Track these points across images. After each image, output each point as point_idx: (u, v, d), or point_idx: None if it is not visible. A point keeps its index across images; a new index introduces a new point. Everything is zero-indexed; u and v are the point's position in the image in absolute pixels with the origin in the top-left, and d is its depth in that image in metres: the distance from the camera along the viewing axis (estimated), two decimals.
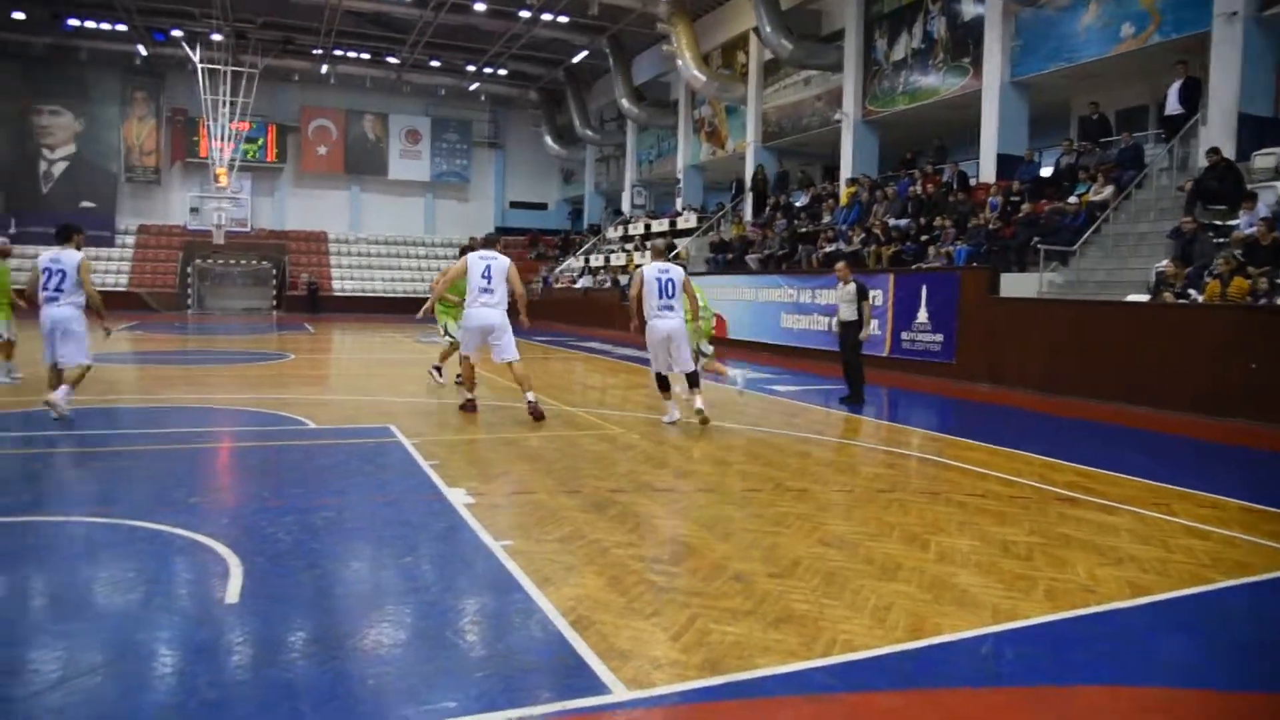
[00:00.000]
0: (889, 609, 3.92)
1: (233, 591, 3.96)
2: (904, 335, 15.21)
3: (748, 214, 26.01)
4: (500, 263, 8.98)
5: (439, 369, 11.80)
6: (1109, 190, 14.44)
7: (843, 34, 22.32)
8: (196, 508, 5.52)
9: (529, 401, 9.00)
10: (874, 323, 11.74)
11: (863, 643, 3.55)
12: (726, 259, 23.27)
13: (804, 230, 21.30)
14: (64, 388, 8.27)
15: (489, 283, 8.88)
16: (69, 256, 8.53)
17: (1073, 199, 14.90)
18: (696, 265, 25.08)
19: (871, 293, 13.07)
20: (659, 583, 4.19)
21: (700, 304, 9.66)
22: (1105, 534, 5.27)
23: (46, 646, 3.37)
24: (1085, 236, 14.00)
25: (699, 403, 8.82)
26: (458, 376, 10.64)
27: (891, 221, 18.38)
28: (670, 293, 8.79)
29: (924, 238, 16.94)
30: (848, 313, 11.12)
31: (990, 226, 15.63)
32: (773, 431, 9.01)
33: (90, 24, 32.23)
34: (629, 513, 5.47)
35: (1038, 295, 13.79)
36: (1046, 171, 17.43)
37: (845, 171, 22.31)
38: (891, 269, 16.30)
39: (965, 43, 18.76)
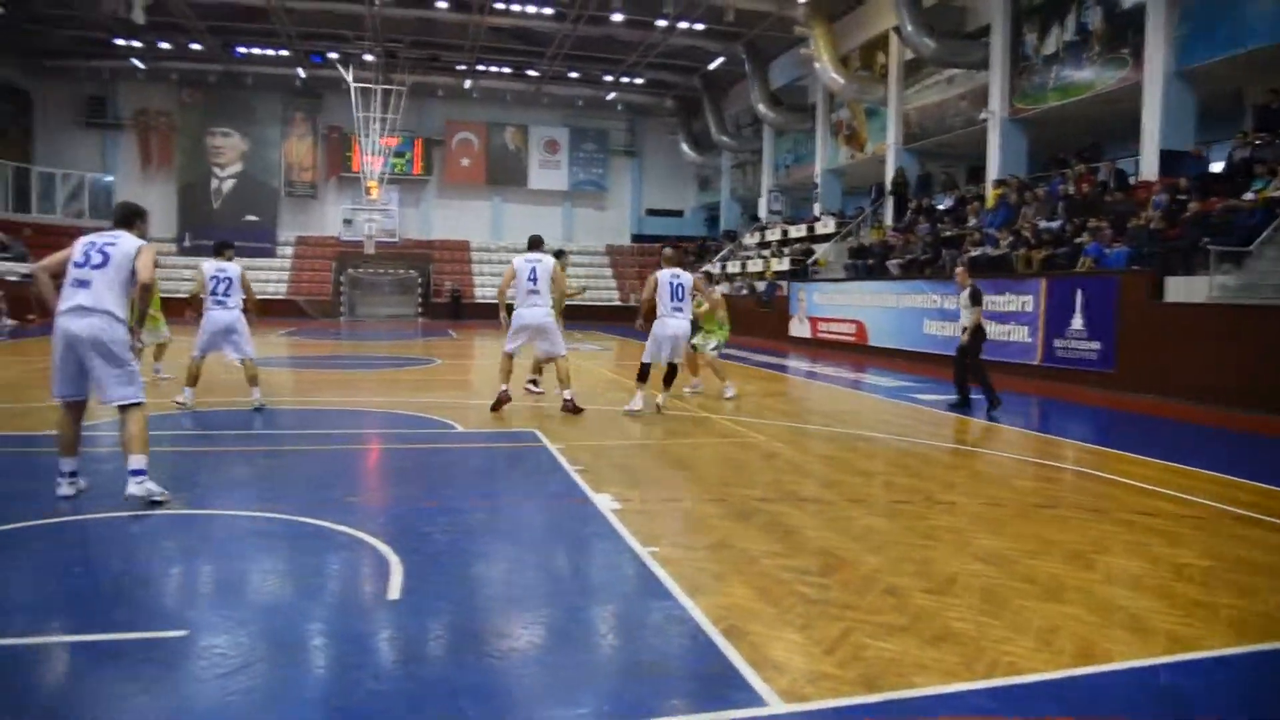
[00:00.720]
0: (1054, 631, 3.74)
1: (394, 588, 4.13)
2: (1057, 343, 14.52)
3: (888, 218, 25.40)
4: (545, 264, 9.63)
5: (535, 381, 11.74)
6: None
7: (988, 30, 21.51)
8: (356, 506, 5.78)
9: (565, 398, 9.64)
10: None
11: (1028, 666, 3.40)
12: (866, 265, 22.79)
13: (948, 234, 20.64)
14: (255, 390, 9.54)
15: (535, 284, 9.58)
16: (232, 267, 9.76)
17: (1248, 195, 13.87)
18: (835, 271, 24.68)
19: (986, 299, 12.59)
20: (810, 594, 4.13)
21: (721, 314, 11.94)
22: None
23: (226, 633, 3.59)
24: (1263, 236, 13.01)
25: (661, 399, 10.05)
26: (529, 381, 11.50)
27: (1042, 224, 17.59)
28: (680, 295, 9.82)
29: (1078, 240, 16.13)
30: (966, 318, 10.81)
31: (1152, 227, 14.74)
32: (919, 442, 8.76)
33: (257, 50, 34.43)
34: (776, 522, 5.42)
35: (1208, 300, 12.91)
36: (1217, 167, 16.30)
37: (991, 173, 21.50)
38: (1043, 273, 15.59)
39: (1124, 32, 17.76)
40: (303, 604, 3.98)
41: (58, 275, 5.63)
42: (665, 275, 9.95)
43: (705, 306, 11.74)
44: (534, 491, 6.26)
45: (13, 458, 7.16)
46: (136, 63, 35.31)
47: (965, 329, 10.79)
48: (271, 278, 38.18)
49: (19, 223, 35.05)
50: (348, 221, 36.86)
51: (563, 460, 7.21)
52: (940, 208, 23.01)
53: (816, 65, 26.30)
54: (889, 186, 25.69)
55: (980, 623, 3.81)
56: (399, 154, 38.81)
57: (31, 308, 27.77)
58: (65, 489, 5.57)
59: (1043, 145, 21.58)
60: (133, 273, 5.54)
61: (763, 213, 34.59)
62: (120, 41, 32.76)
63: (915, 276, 19.69)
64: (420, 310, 39.08)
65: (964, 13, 23.38)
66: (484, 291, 39.72)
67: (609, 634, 3.72)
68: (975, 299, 10.70)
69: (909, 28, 21.91)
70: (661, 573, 4.35)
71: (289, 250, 39.92)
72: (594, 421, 9.51)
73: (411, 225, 41.04)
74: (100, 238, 5.67)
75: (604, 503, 5.78)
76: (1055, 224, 17.30)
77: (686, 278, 10.01)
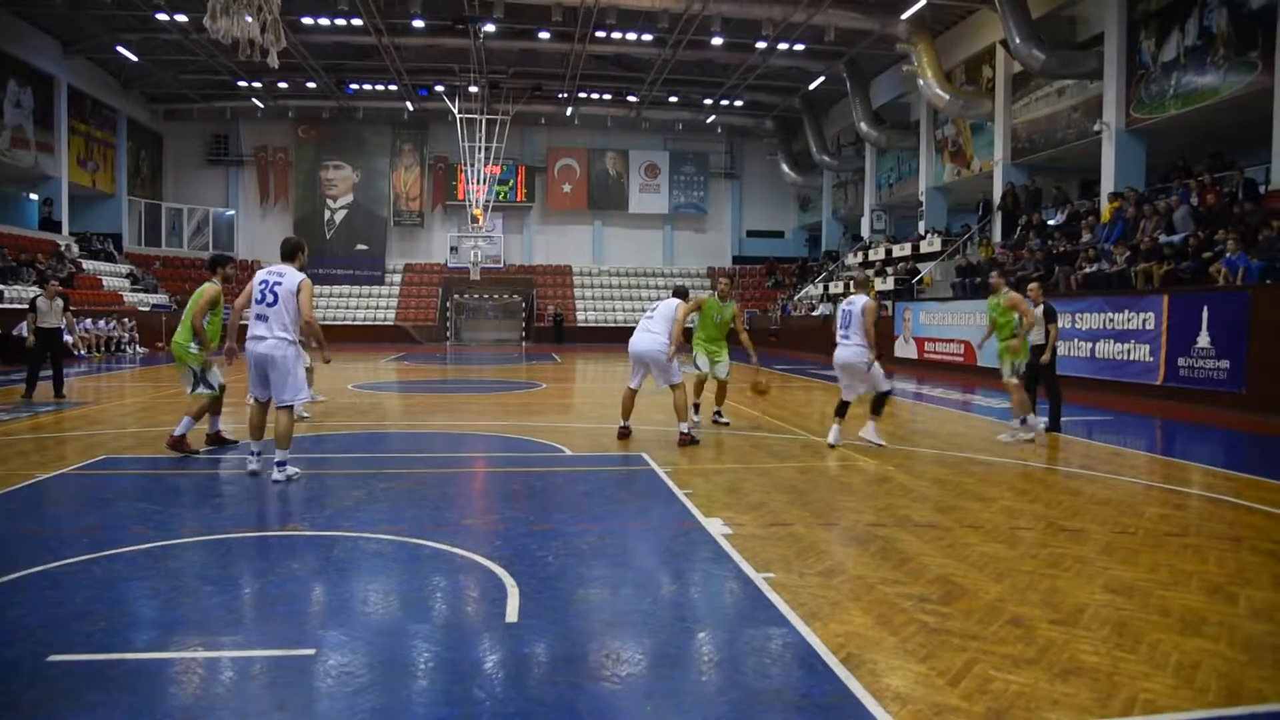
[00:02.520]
0: (1196, 668, 3.55)
1: (511, 611, 4.19)
2: (1181, 361, 13.83)
3: (996, 235, 24.73)
4: (667, 303, 9.65)
5: (694, 405, 11.20)
6: None
7: (1101, 38, 20.81)
8: (470, 529, 5.90)
9: (681, 431, 9.43)
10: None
11: (1168, 704, 3.23)
12: (975, 283, 22.20)
13: (1060, 250, 19.95)
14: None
15: (652, 317, 9.62)
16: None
17: None
18: (942, 290, 24.11)
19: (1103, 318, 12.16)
20: (930, 623, 4.02)
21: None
22: None
23: (351, 652, 3.70)
24: None
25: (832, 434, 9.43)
26: (698, 410, 11.05)
27: (1163, 238, 16.83)
28: (846, 324, 9.34)
29: (1205, 254, 15.37)
30: (1037, 335, 10.39)
31: None
32: (1037, 465, 8.46)
33: (367, 86, 35.85)
34: (892, 548, 5.31)
35: None
36: None
37: (1106, 185, 20.72)
38: (1165, 289, 14.90)
39: (1252, 34, 16.92)
40: (422, 625, 4.08)
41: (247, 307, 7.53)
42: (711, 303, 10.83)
43: (1024, 323, 9.94)
44: (644, 516, 6.28)
45: (151, 478, 7.55)
46: (256, 102, 37.20)
47: (1048, 348, 10.45)
48: (381, 304, 39.54)
49: (150, 255, 37.29)
50: (453, 249, 37.92)
51: (672, 484, 7.22)
52: (1051, 223, 22.27)
53: (920, 82, 25.89)
54: (997, 202, 25.03)
55: (1115, 656, 3.65)
56: (502, 182, 39.76)
57: (162, 336, 29.40)
58: (253, 464, 7.46)
59: (1162, 156, 20.72)
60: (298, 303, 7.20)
61: (865, 232, 34.11)
62: (242, 83, 34.58)
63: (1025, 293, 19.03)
64: (524, 334, 39.80)
65: (1074, 22, 22.71)
66: (585, 315, 40.23)
67: (724, 660, 3.70)
68: (1051, 316, 10.44)
69: (1016, 40, 21.39)
70: (776, 599, 4.31)
71: (397, 277, 41.25)
72: (702, 445, 9.49)
73: (515, 251, 41.91)
74: (270, 275, 7.27)
75: (715, 527, 5.76)
76: (1177, 238, 16.54)
77: (857, 303, 9.34)
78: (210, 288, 8.61)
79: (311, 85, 35.20)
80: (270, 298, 7.18)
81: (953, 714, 3.11)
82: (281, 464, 7.20)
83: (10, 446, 8.96)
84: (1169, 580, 4.72)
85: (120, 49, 30.53)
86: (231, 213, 40.54)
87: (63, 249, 30.16)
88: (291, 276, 7.27)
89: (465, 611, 4.32)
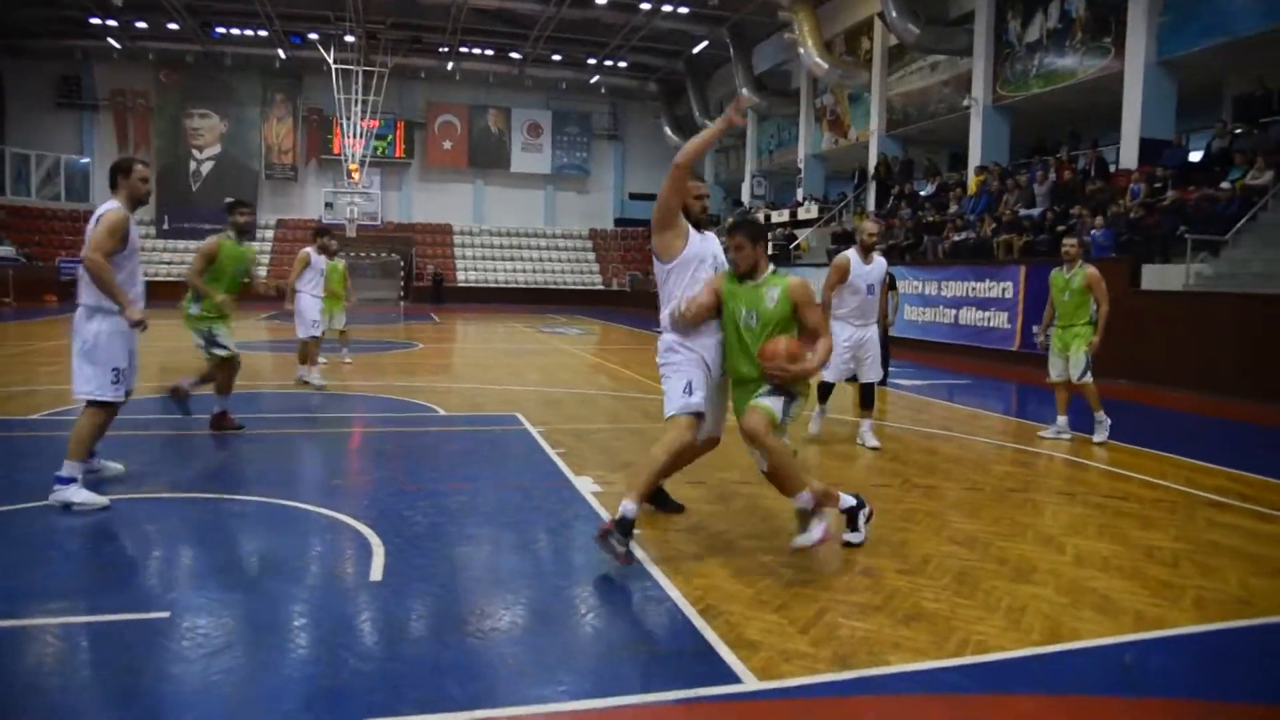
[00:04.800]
0: (1023, 611, 3.82)
1: (376, 570, 4.16)
2: (1035, 329, 14.63)
3: (871, 204, 25.50)
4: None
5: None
6: (1269, 175, 13.54)
7: (972, 16, 21.59)
8: (338, 489, 5.80)
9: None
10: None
11: (996, 644, 3.47)
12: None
13: (930, 220, 20.75)
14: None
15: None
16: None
17: (1225, 184, 14.03)
18: (818, 256, 24.75)
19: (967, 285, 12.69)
20: (786, 576, 4.19)
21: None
22: (1261, 543, 4.99)
23: (209, 614, 3.61)
24: (1239, 225, 13.18)
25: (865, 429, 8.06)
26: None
27: (1023, 211, 17.71)
28: (872, 291, 7.75)
29: (1060, 228, 16.26)
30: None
31: (1132, 215, 14.88)
32: (897, 426, 8.85)
33: (235, 31, 34.02)
34: (754, 505, 5.48)
35: (1184, 288, 13.07)
36: (1195, 156, 16.46)
37: (974, 159, 21.62)
38: (1023, 260, 15.71)
39: (1106, 21, 17.86)
40: (285, 586, 4.00)
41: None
42: (855, 261, 7.56)
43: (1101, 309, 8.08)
44: (515, 475, 6.29)
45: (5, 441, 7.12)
46: (112, 42, 34.85)
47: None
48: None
49: None
50: (329, 205, 36.67)
51: (544, 444, 7.25)
52: (923, 194, 23.11)
53: (800, 50, 26.31)
54: (872, 172, 25.78)
55: (953, 603, 3.89)
56: (380, 136, 38.56)
57: (8, 291, 27.49)
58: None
59: (1025, 132, 21.72)
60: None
61: (746, 197, 34.65)
62: (95, 20, 32.31)
63: (897, 262, 19.78)
64: (402, 294, 38.94)
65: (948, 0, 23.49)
66: (466, 275, 39.64)
67: (588, 615, 3.77)
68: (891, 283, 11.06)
69: (893, 14, 21.95)
70: (641, 554, 4.40)
71: (269, 234, 39.60)
72: (574, 405, 9.54)
73: (393, 208, 40.82)
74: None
75: (585, 485, 5.82)
76: (1036, 211, 17.43)
77: (879, 266, 7.69)
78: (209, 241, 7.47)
79: (173, 26, 33.16)
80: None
81: (800, 659, 3.26)
82: (63, 480, 5.04)
83: None
84: (1007, 532, 5.04)
85: None
86: (86, 160, 37.92)
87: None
88: (100, 210, 5.30)
89: (330, 571, 4.26)
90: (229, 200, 8.17)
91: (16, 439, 7.27)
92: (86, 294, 5.16)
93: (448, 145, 41.15)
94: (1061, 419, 8.27)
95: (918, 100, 24.37)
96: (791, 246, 26.80)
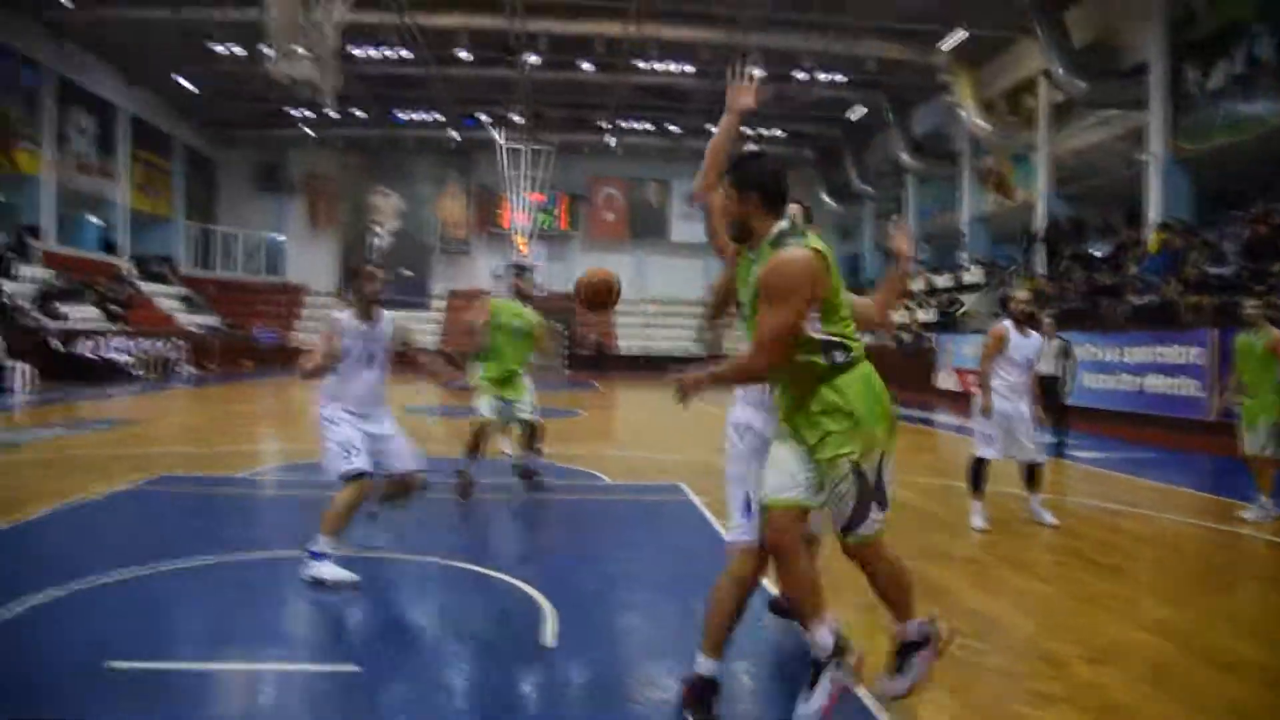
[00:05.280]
0: (1231, 713, 3.55)
1: (549, 635, 4.30)
2: (1224, 396, 13.62)
3: (1041, 267, 24.55)
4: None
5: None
6: None
7: (1146, 68, 20.68)
8: (510, 553, 6.03)
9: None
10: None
11: None
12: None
13: (1106, 283, 19.77)
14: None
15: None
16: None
17: None
18: (984, 322, 23.93)
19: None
20: (962, 657, 4.06)
21: None
22: None
23: (397, 670, 3.83)
24: None
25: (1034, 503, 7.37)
26: None
27: (1212, 270, 16.63)
28: (1028, 366, 7.25)
29: (1259, 287, 15.16)
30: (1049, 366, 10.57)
31: None
32: (1076, 501, 8.41)
33: (414, 115, 36.66)
34: (927, 582, 5.33)
35: None
36: None
37: (1152, 216, 20.53)
38: (1215, 322, 14.70)
39: None
40: (462, 646, 4.20)
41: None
42: (1014, 331, 7.09)
43: None
44: (678, 544, 6.36)
45: (203, 497, 7.78)
46: (307, 130, 38.12)
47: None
48: (424, 329, 40.09)
49: (204, 279, 38.27)
50: (497, 276, 38.40)
51: (708, 514, 7.28)
52: (1096, 255, 22.07)
53: (960, 112, 25.90)
54: (1040, 233, 24.87)
55: (1144, 695, 3.66)
56: (545, 210, 40.25)
57: (214, 357, 30.14)
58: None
59: (1210, 185, 20.47)
60: None
61: None
62: (294, 112, 35.47)
63: (1071, 327, 18.88)
64: (565, 361, 40.09)
65: (1118, 52, 22.57)
66: (626, 344, 40.49)
67: (754, 689, 3.77)
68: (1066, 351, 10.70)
69: (1059, 70, 21.34)
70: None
71: (441, 303, 41.85)
72: None
73: (557, 278, 42.25)
74: None
75: None
76: (1227, 270, 16.34)
77: (1037, 337, 7.23)
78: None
79: (361, 115, 36.01)
80: None
81: None
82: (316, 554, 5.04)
83: (71, 462, 9.27)
84: (1207, 621, 4.69)
85: (179, 79, 31.58)
86: (282, 238, 41.46)
87: (122, 272, 31.07)
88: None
89: (503, 634, 4.43)
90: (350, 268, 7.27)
91: (222, 495, 7.92)
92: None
93: (609, 217, 42.51)
94: (1265, 498, 7.56)
95: (1088, 157, 23.43)
96: (957, 312, 26.05)
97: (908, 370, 25.65)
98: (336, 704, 3.51)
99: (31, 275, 24.87)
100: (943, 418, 18.17)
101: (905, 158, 31.16)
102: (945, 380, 23.20)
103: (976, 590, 5.18)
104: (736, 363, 3.21)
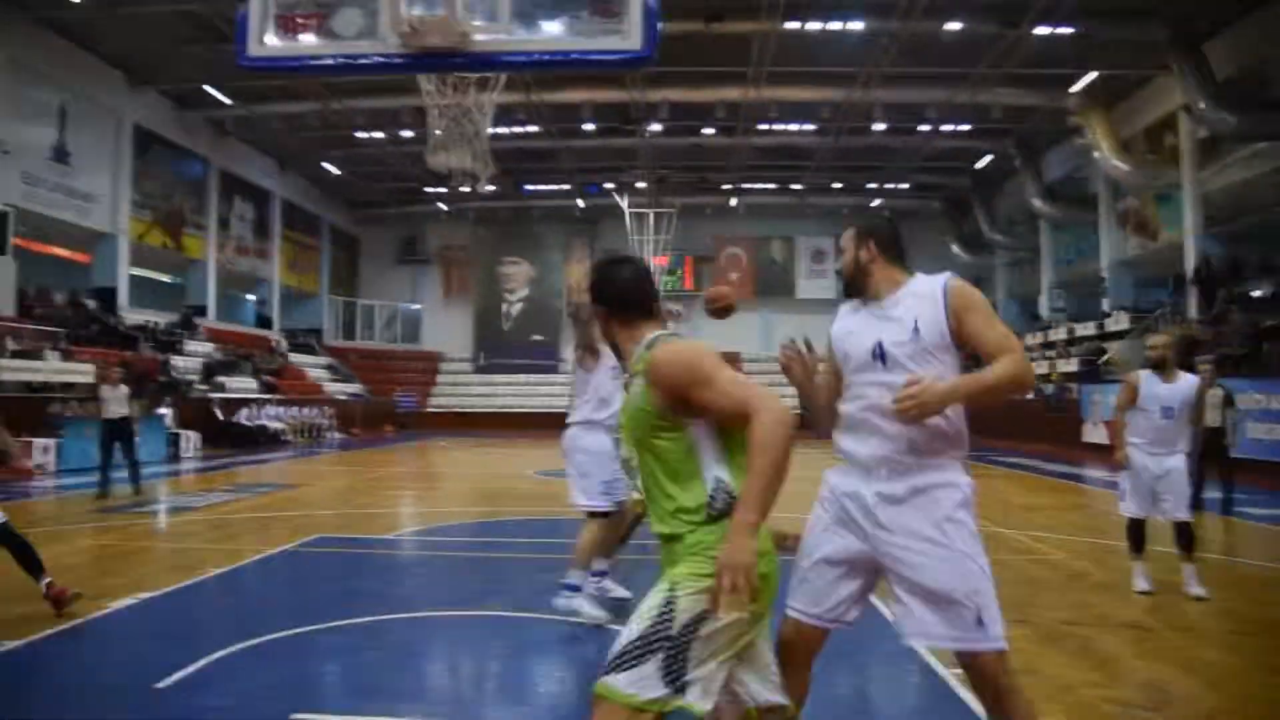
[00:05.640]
0: None
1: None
2: None
3: (1192, 310, 23.26)
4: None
5: None
6: None
7: None
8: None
9: None
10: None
11: None
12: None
13: (1269, 325, 18.57)
14: None
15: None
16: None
17: None
18: (1131, 370, 22.77)
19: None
20: None
21: None
22: None
23: None
24: None
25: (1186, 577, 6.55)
26: None
27: None
28: (1171, 415, 6.49)
29: None
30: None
31: None
32: (1250, 563, 7.86)
33: (541, 186, 38.06)
34: (1089, 648, 5.08)
35: None
36: None
37: None
38: None
39: None
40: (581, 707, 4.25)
41: None
42: (1146, 378, 6.54)
43: None
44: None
45: (360, 555, 8.14)
46: (442, 205, 40.00)
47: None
48: (556, 392, 40.99)
49: (346, 348, 40.38)
50: None
51: None
52: (1256, 295, 20.79)
53: (1095, 154, 25.03)
54: (1190, 275, 23.62)
55: None
56: (670, 272, 40.81)
57: (357, 422, 31.62)
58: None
59: None
60: None
61: (1044, 311, 32.80)
62: (430, 189, 37.33)
63: (1229, 373, 17.76)
64: None
65: (1266, 81, 21.46)
66: None
67: None
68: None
69: (1202, 105, 20.42)
70: (967, 696, 4.21)
71: (567, 366, 42.74)
72: None
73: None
74: None
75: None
76: None
77: (1185, 385, 6.48)
78: None
79: (491, 188, 37.55)
80: None
81: None
82: (570, 587, 5.63)
83: (238, 525, 9.86)
84: None
85: (325, 165, 33.88)
86: (418, 307, 43.39)
87: (274, 344, 33.10)
88: None
89: None
90: None
91: (373, 555, 8.25)
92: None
93: (734, 276, 42.70)
94: None
95: (1240, 193, 22.19)
96: (1101, 361, 24.91)
97: (1053, 424, 24.60)
98: None
99: (197, 350, 26.77)
100: (1093, 472, 17.30)
101: (1038, 204, 30.24)
102: (1093, 433, 22.11)
103: (1146, 658, 4.89)
104: (1003, 369, 2.76)
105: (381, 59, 5.41)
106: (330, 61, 4.92)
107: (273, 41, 4.82)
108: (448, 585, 7.04)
